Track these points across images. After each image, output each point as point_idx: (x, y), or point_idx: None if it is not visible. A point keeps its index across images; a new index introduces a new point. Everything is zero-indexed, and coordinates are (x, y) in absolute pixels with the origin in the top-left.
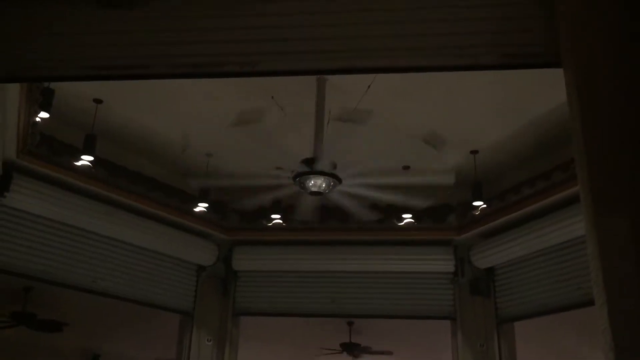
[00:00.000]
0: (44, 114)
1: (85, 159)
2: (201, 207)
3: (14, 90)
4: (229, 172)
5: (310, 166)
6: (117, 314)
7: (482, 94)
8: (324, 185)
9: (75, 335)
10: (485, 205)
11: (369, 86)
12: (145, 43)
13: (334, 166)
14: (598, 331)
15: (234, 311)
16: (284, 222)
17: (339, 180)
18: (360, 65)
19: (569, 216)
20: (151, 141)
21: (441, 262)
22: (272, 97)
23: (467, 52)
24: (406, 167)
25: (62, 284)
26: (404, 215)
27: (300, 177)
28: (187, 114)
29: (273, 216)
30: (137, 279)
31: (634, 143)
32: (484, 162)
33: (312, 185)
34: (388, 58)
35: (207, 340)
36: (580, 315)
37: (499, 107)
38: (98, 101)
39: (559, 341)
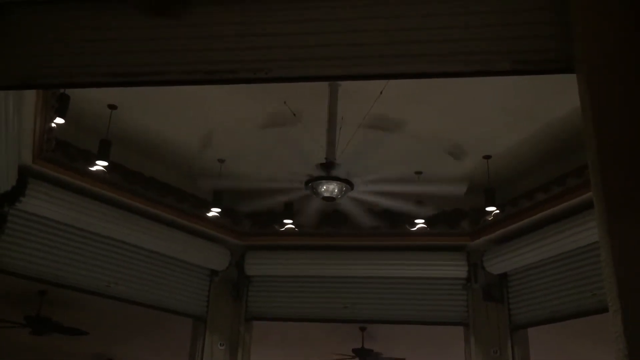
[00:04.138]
0: (59, 120)
1: (100, 164)
2: (214, 212)
3: (30, 97)
4: (241, 177)
5: (323, 171)
6: (130, 318)
7: (496, 99)
8: (336, 191)
9: (89, 338)
10: (498, 211)
11: (381, 92)
12: (160, 50)
13: (345, 171)
14: (612, 338)
15: (246, 316)
16: (296, 227)
17: (351, 185)
18: (371, 72)
19: (583, 222)
20: (165, 147)
21: (454, 268)
22: (285, 103)
23: (480, 58)
24: (418, 172)
25: (76, 288)
26: (417, 221)
27: (312, 183)
28: (200, 120)
29: (285, 221)
30: (150, 283)
31: None
32: (497, 167)
33: (324, 191)
34: (399, 64)
35: (220, 344)
36: (594, 322)
37: (512, 113)
38: (112, 107)
39: (573, 348)
